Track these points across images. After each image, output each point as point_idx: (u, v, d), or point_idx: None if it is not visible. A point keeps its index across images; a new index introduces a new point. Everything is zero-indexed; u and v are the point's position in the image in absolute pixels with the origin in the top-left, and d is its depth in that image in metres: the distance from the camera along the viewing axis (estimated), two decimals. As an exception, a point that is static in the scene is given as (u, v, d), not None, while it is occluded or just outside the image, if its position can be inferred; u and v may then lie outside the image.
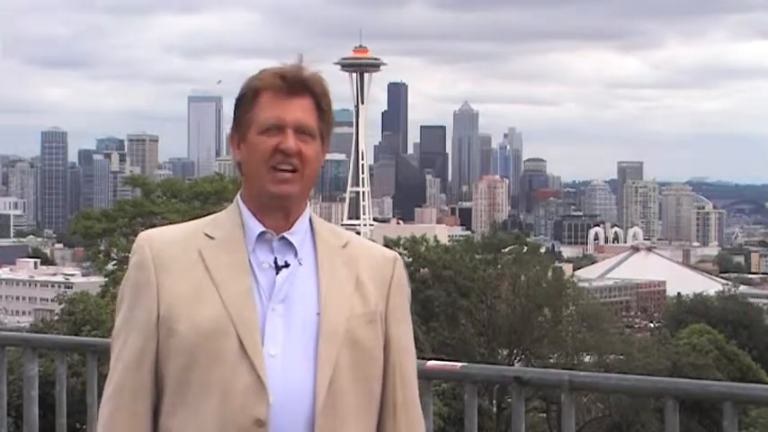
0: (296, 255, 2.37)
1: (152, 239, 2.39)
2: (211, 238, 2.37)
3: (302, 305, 2.34)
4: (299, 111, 2.36)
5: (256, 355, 2.27)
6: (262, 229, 2.37)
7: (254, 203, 2.38)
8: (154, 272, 2.35)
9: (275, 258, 2.36)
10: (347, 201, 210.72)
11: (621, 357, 37.06)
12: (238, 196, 2.42)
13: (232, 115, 2.44)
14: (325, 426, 2.29)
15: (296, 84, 2.37)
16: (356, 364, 2.34)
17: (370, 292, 2.39)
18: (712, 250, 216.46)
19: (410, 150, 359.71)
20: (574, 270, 78.17)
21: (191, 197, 33.96)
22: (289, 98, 2.36)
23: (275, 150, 2.33)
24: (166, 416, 2.33)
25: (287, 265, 2.36)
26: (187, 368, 2.29)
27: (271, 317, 2.31)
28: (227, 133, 2.53)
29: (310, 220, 2.42)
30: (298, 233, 2.38)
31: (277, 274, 2.35)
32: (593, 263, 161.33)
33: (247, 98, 2.38)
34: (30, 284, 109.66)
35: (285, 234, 2.37)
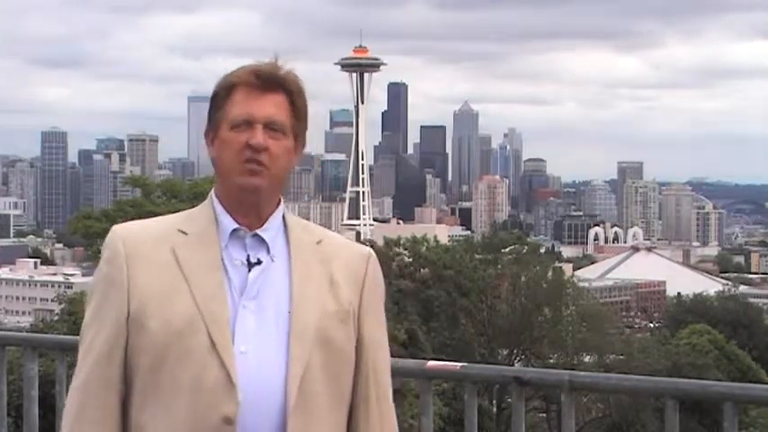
0: (268, 252, 2.37)
1: (125, 234, 2.38)
2: (185, 233, 2.37)
3: (274, 302, 2.33)
4: (271, 107, 2.35)
5: (226, 352, 2.26)
6: (235, 225, 2.36)
7: (227, 200, 2.38)
8: (126, 267, 2.34)
9: (248, 255, 2.35)
10: (347, 201, 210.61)
11: (621, 357, 37.12)
12: (212, 192, 2.41)
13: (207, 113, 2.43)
14: (297, 425, 2.28)
15: (270, 81, 2.36)
16: (328, 363, 2.33)
17: (343, 289, 2.39)
18: (712, 250, 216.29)
19: (410, 150, 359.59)
20: (574, 270, 78.17)
21: (191, 197, 33.93)
22: (262, 95, 2.36)
23: (245, 146, 2.33)
24: (137, 410, 2.32)
25: (259, 263, 2.35)
26: (158, 364, 2.28)
27: (242, 314, 2.30)
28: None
29: (284, 217, 2.42)
30: (270, 230, 2.38)
31: (249, 271, 2.34)
32: (593, 263, 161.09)
33: (221, 95, 2.38)
34: (30, 284, 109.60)
35: (258, 231, 2.37)
